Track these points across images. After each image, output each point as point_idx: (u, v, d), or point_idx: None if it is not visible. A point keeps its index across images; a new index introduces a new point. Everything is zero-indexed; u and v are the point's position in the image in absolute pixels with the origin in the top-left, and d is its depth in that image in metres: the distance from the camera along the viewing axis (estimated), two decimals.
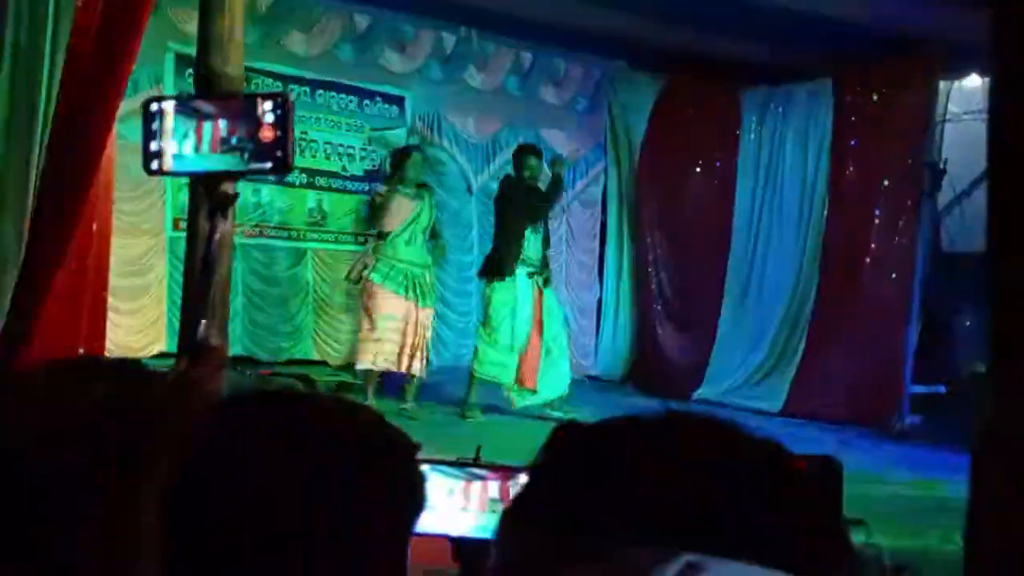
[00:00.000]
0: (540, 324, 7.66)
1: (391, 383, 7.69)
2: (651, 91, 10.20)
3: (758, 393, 9.08)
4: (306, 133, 8.91)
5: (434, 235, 7.80)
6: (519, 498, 0.87)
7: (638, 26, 8.72)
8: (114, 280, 7.44)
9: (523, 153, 7.82)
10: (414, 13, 9.00)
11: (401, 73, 9.31)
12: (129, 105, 7.86)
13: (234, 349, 8.27)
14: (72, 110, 3.03)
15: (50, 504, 1.13)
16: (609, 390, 9.88)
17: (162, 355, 7.91)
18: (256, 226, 8.69)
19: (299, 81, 8.87)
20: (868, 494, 5.73)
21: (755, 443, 0.89)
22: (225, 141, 1.93)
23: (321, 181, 9.03)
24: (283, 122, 1.91)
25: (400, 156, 7.84)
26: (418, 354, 7.42)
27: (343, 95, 9.12)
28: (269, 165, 1.95)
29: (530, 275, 7.65)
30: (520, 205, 7.53)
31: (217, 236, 1.94)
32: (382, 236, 7.53)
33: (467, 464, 1.91)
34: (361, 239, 9.02)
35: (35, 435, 1.15)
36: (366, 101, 9.25)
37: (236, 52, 2.69)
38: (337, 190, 9.10)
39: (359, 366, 7.59)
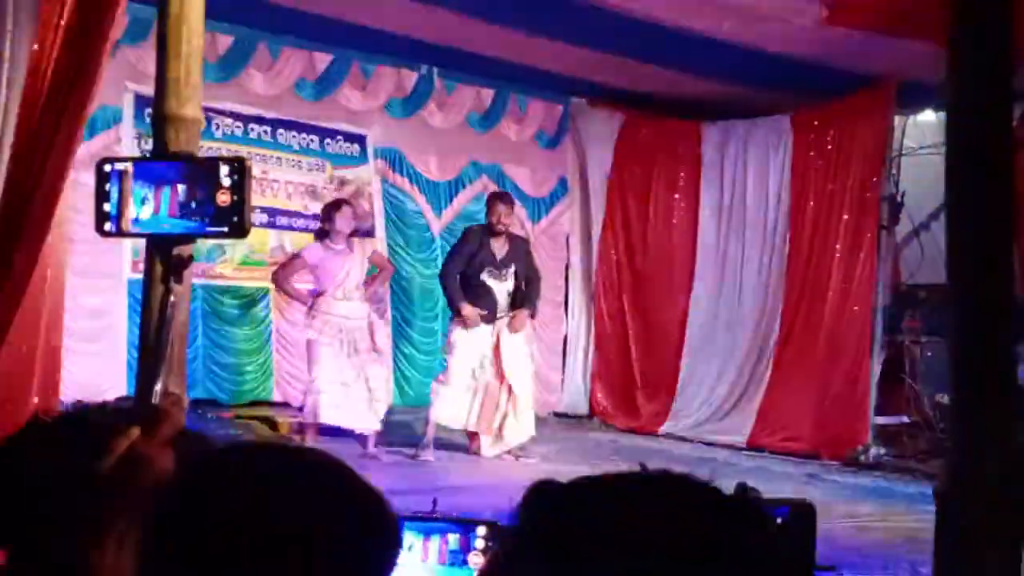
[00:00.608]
0: (500, 369, 7.60)
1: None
2: (613, 126, 10.27)
3: (724, 427, 9.11)
4: (267, 172, 8.86)
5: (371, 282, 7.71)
6: (496, 561, 0.88)
7: (598, 63, 8.80)
8: (73, 323, 7.36)
9: (496, 199, 7.83)
10: (374, 52, 9.01)
11: (362, 111, 9.31)
12: (87, 148, 7.83)
13: (195, 392, 8.17)
14: (27, 154, 2.98)
15: None
16: (576, 426, 9.86)
17: (122, 398, 7.78)
18: (217, 266, 8.61)
19: (259, 120, 8.84)
20: (838, 529, 5.75)
21: (727, 503, 0.89)
22: (184, 205, 1.92)
23: (283, 220, 8.97)
24: (240, 187, 1.91)
25: (329, 209, 7.63)
26: (363, 406, 7.25)
27: (304, 134, 9.09)
28: (226, 229, 1.93)
29: (489, 321, 7.62)
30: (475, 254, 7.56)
31: (172, 299, 1.91)
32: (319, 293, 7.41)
33: (426, 518, 1.88)
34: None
35: None
36: (327, 139, 9.23)
37: (194, 95, 2.66)
38: (299, 229, 9.04)
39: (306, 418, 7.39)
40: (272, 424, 8.13)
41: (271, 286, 8.87)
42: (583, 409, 10.34)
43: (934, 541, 2.17)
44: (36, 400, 3.51)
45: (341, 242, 7.40)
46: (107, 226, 1.95)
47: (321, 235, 7.60)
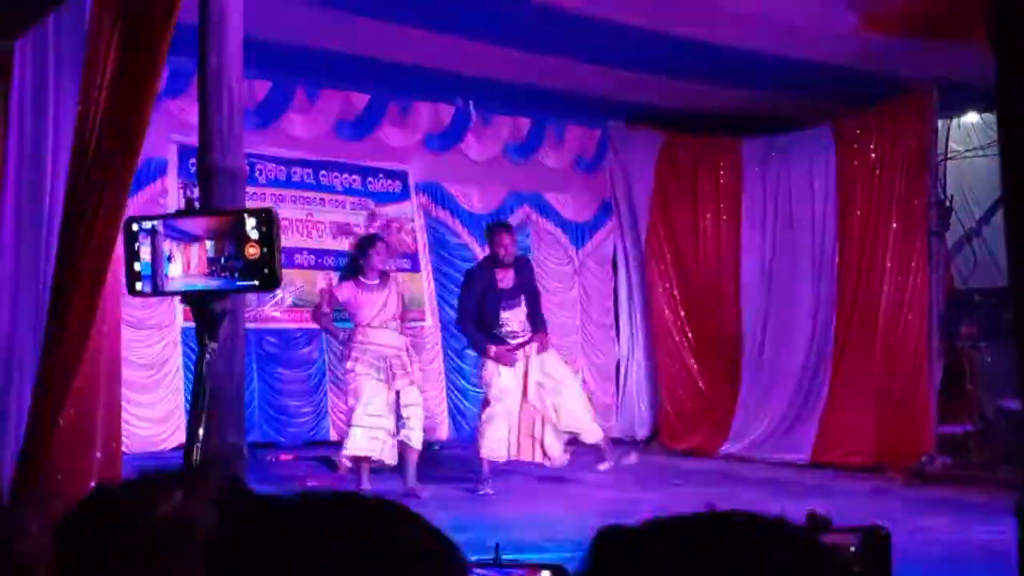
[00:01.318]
0: (526, 394, 7.57)
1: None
2: (652, 147, 10.25)
3: (785, 444, 8.97)
4: (312, 214, 8.95)
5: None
6: None
7: (633, 84, 8.79)
8: (131, 374, 7.47)
9: (497, 230, 7.82)
10: (410, 88, 9.09)
11: (401, 148, 9.38)
12: (133, 201, 7.97)
13: (252, 436, 8.22)
14: (78, 215, 3.03)
15: None
16: (634, 451, 9.77)
17: (181, 446, 7.86)
18: (268, 309, 8.69)
19: (302, 163, 8.94)
20: (908, 544, 5.62)
21: (797, 541, 0.87)
22: (213, 261, 1.92)
23: (329, 261, 9.04)
24: (269, 239, 1.91)
25: (364, 245, 7.62)
26: (391, 439, 7.20)
27: (346, 174, 9.18)
28: (256, 283, 1.94)
29: (517, 347, 7.60)
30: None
31: (208, 357, 1.92)
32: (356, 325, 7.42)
33: (487, 564, 1.84)
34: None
35: None
36: (369, 178, 9.31)
37: (236, 146, 2.70)
38: None
39: (346, 452, 7.29)
40: (331, 464, 8.15)
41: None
42: (639, 433, 10.26)
43: (1018, 561, 2.10)
44: (99, 455, 3.56)
45: (375, 278, 7.38)
46: (139, 286, 1.97)
47: (351, 270, 7.56)
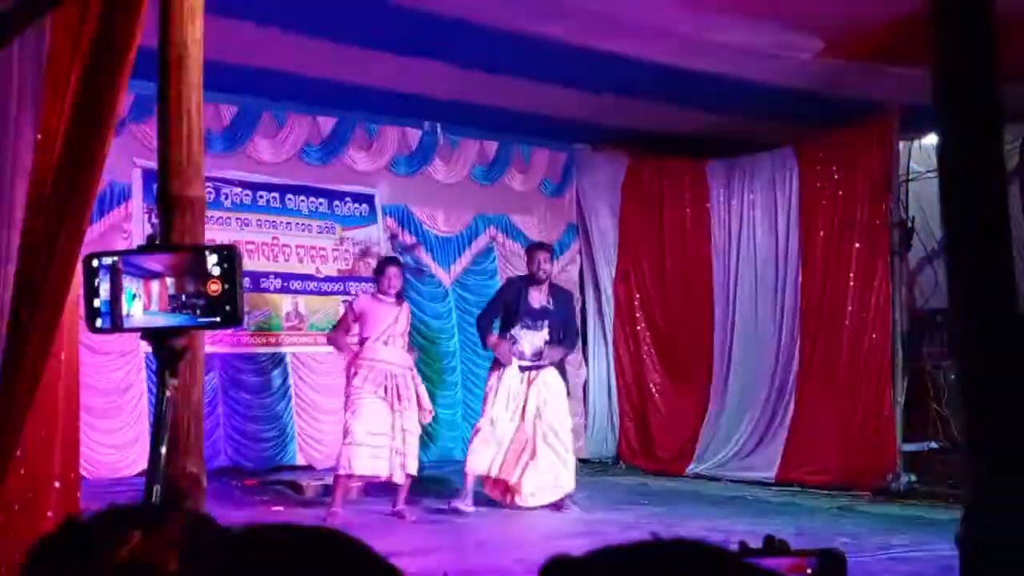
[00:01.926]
0: (523, 415, 7.56)
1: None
2: (617, 169, 10.32)
3: (751, 463, 9.03)
4: (278, 238, 8.92)
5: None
6: None
7: (599, 106, 8.85)
8: (92, 401, 7.39)
9: (536, 248, 7.92)
10: (377, 112, 9.11)
11: (368, 171, 9.38)
12: (98, 226, 7.91)
13: (218, 461, 8.17)
14: (36, 242, 3.01)
15: None
16: (601, 472, 9.79)
17: (145, 472, 7.78)
18: (233, 334, 8.63)
19: (268, 187, 8.92)
20: (872, 562, 5.67)
21: (738, 570, 0.90)
22: (175, 298, 1.92)
23: (296, 284, 9.01)
24: (231, 275, 1.91)
25: (383, 265, 7.67)
26: (399, 458, 7.16)
27: (312, 197, 9.16)
28: (218, 320, 1.94)
29: (523, 369, 7.59)
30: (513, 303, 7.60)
31: (168, 393, 1.91)
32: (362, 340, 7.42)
33: None
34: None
35: None
36: (336, 201, 9.29)
37: (196, 175, 2.69)
38: (313, 292, 9.08)
39: (343, 471, 7.22)
40: (297, 488, 8.10)
41: (288, 351, 8.90)
42: (609, 454, 10.28)
43: None
44: (57, 484, 3.52)
45: (391, 296, 7.45)
46: (98, 322, 1.96)
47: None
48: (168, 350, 1.95)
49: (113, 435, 7.99)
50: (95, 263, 1.95)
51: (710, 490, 8.62)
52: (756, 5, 6.56)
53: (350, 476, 7.15)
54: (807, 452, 8.70)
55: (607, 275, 10.42)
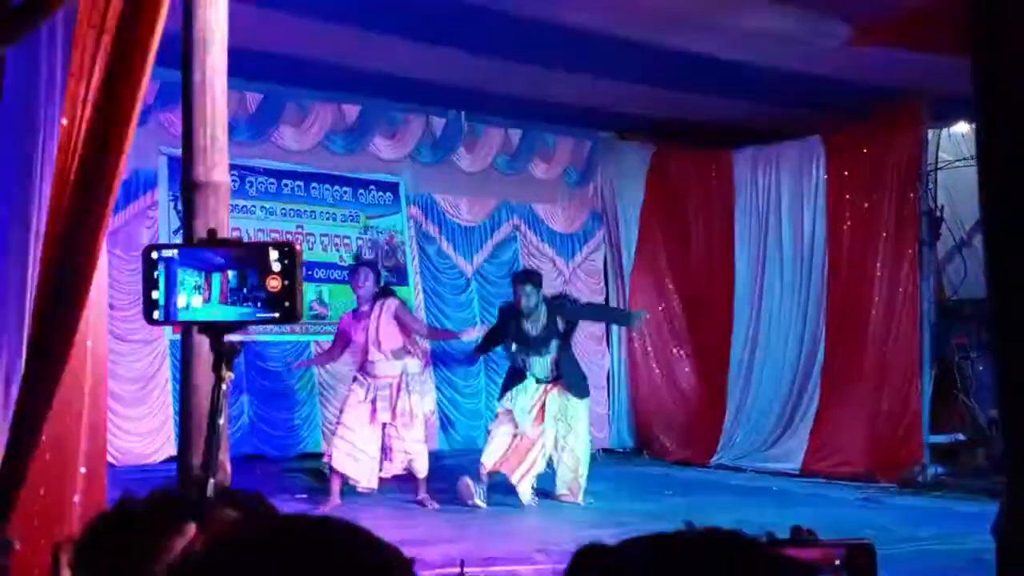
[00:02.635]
0: (541, 418, 7.49)
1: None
2: (642, 158, 10.27)
3: (776, 454, 8.98)
4: (302, 227, 8.94)
5: None
6: None
7: (625, 95, 8.80)
8: (118, 388, 7.44)
9: (515, 281, 7.66)
10: (402, 100, 9.09)
11: (393, 159, 9.38)
12: (123, 213, 7.95)
13: (243, 448, 8.20)
14: (61, 230, 3.02)
15: None
16: (626, 462, 9.76)
17: (171, 459, 7.82)
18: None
19: (292, 176, 8.93)
20: (899, 553, 5.62)
21: (775, 562, 0.89)
22: (236, 291, 1.93)
23: (320, 273, 9.03)
24: (291, 272, 1.91)
25: (350, 275, 7.51)
26: (374, 464, 7.15)
27: (337, 186, 9.16)
28: (277, 315, 1.95)
29: (539, 381, 7.51)
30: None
31: (223, 387, 1.92)
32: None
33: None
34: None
35: None
36: (360, 190, 9.30)
37: (221, 160, 2.69)
38: (336, 281, 9.09)
39: (325, 459, 7.28)
40: (321, 476, 8.11)
41: (311, 339, 8.92)
42: (632, 444, 10.26)
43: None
44: (84, 470, 3.53)
45: (365, 305, 7.26)
46: (156, 314, 1.97)
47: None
48: (226, 345, 1.95)
49: (138, 423, 8.04)
50: (154, 255, 1.95)
51: (734, 481, 8.58)
52: None
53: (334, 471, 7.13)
54: (833, 443, 8.64)
55: (630, 264, 10.37)
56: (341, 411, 7.27)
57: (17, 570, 3.20)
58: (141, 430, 8.04)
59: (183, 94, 2.69)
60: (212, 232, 2.11)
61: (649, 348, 10.18)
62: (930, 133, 8.62)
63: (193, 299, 1.94)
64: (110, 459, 5.45)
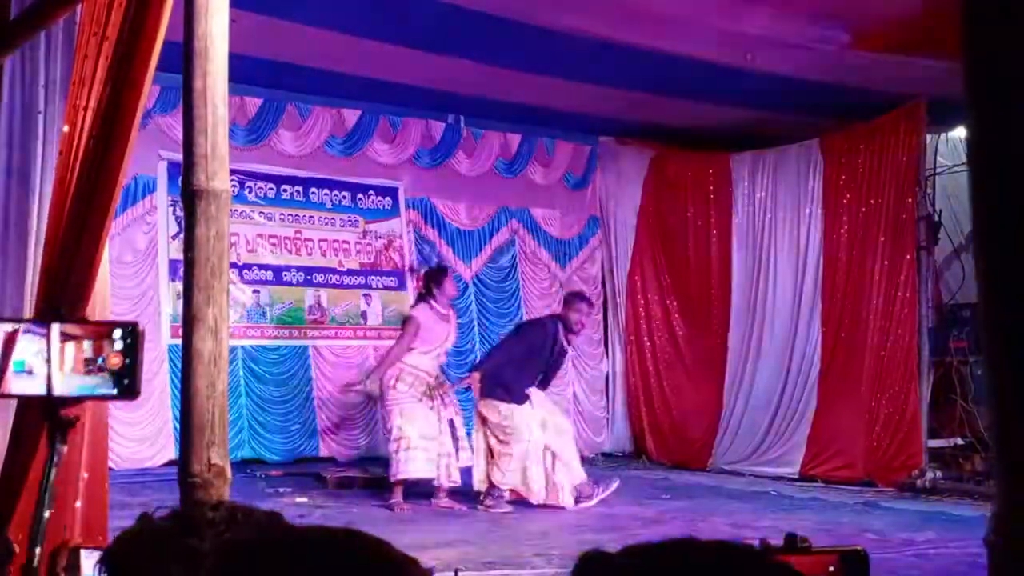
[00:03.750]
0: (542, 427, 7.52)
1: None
2: (641, 162, 10.29)
3: (774, 458, 8.99)
4: (300, 232, 8.95)
5: None
6: None
7: (623, 101, 8.82)
8: None
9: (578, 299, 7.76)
10: (401, 104, 9.11)
11: (392, 164, 9.39)
12: (123, 218, 7.96)
13: (242, 452, 8.21)
14: (62, 235, 3.03)
15: None
16: (624, 465, 9.77)
17: (172, 463, 7.82)
18: (256, 327, 8.68)
19: (291, 181, 8.94)
20: (897, 558, 5.63)
21: (775, 573, 0.90)
22: (91, 361, 2.02)
23: (319, 278, 9.04)
24: (133, 350, 2.01)
25: (439, 275, 7.61)
26: (447, 459, 7.23)
27: (336, 191, 9.18)
28: (116, 392, 2.04)
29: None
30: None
31: (56, 459, 2.00)
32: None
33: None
34: (360, 334, 9.01)
35: None
36: (359, 195, 9.31)
37: (222, 167, 2.69)
38: (335, 286, 9.11)
39: (399, 476, 7.19)
40: (320, 480, 8.13)
41: (309, 343, 8.92)
42: (631, 447, 10.27)
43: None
44: (85, 476, 3.53)
45: (446, 307, 7.46)
46: (3, 387, 2.06)
47: (423, 298, 7.57)
48: (62, 419, 2.04)
49: (136, 427, 8.03)
50: (9, 328, 2.05)
51: (733, 485, 8.58)
52: None
53: (406, 480, 7.16)
54: (831, 447, 8.65)
55: (627, 268, 10.39)
56: (403, 417, 7.17)
57: (17, 575, 3.20)
58: (140, 435, 8.04)
59: (184, 101, 2.70)
60: (56, 310, 2.20)
61: (647, 352, 10.19)
62: (928, 137, 8.63)
63: (35, 370, 2.00)
64: (110, 464, 5.44)
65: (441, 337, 7.40)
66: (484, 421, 7.34)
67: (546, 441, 7.41)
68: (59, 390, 2.06)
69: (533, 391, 7.50)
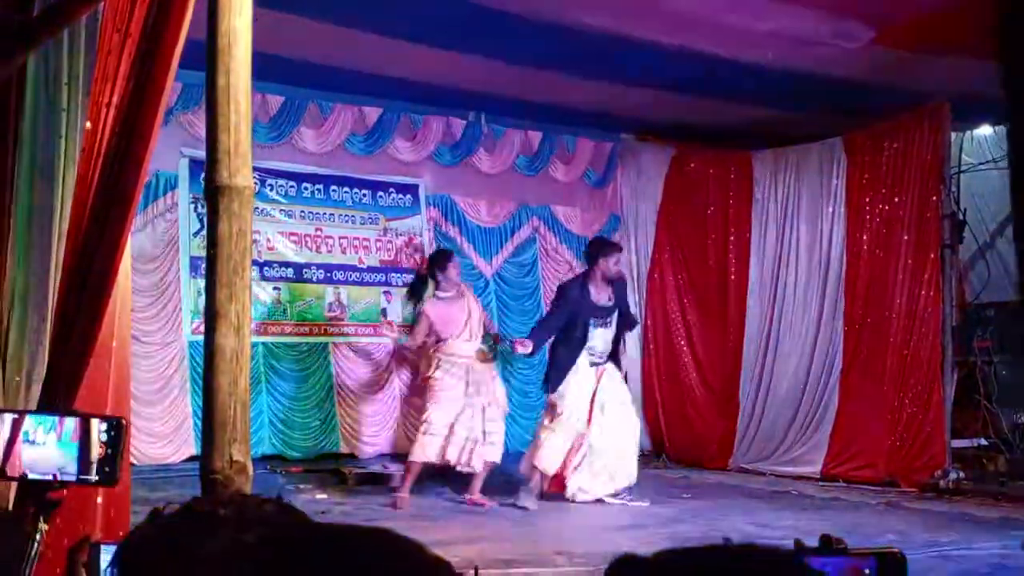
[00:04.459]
0: (591, 411, 7.51)
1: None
2: (662, 159, 10.25)
3: (795, 457, 8.94)
4: (321, 230, 8.96)
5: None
6: None
7: (645, 99, 8.79)
8: (135, 389, 7.47)
9: (603, 246, 7.80)
10: (422, 102, 9.11)
11: (413, 161, 9.39)
12: (145, 214, 7.99)
13: (262, 448, 8.23)
14: (84, 232, 3.03)
15: None
16: (642, 464, 9.71)
17: (193, 459, 7.86)
18: (277, 324, 8.70)
19: (312, 179, 8.95)
20: (920, 560, 5.59)
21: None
22: (60, 454, 2.22)
23: (339, 275, 9.05)
24: (116, 442, 2.21)
25: (442, 259, 7.70)
26: (472, 445, 7.27)
27: (356, 188, 9.18)
28: (96, 478, 2.23)
29: (592, 364, 7.57)
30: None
31: (38, 536, 2.16)
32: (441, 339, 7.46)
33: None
34: (380, 331, 9.01)
35: None
36: (380, 192, 9.32)
37: (245, 164, 2.69)
38: (355, 283, 9.12)
39: (413, 458, 7.32)
40: (340, 476, 8.15)
41: (329, 340, 8.93)
42: (650, 447, 10.23)
43: None
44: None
45: (452, 289, 7.52)
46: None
47: (423, 291, 7.63)
48: (47, 499, 2.21)
49: (155, 423, 8.06)
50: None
51: (754, 484, 8.54)
52: None
53: (423, 463, 7.24)
54: (853, 447, 8.59)
55: (647, 266, 10.36)
56: (434, 403, 7.30)
57: (38, 570, 3.22)
58: (159, 431, 8.06)
59: (207, 98, 2.71)
60: (52, 403, 2.65)
61: (665, 350, 10.16)
62: (952, 135, 8.56)
63: (29, 455, 2.24)
64: (131, 459, 5.47)
65: (460, 319, 7.42)
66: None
67: (594, 431, 7.41)
68: (41, 471, 2.25)
69: (608, 374, 7.51)
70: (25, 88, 3.84)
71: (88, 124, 3.05)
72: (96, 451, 2.21)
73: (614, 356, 7.76)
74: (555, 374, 7.48)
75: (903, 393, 8.36)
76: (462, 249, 9.67)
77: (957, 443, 8.27)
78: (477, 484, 7.30)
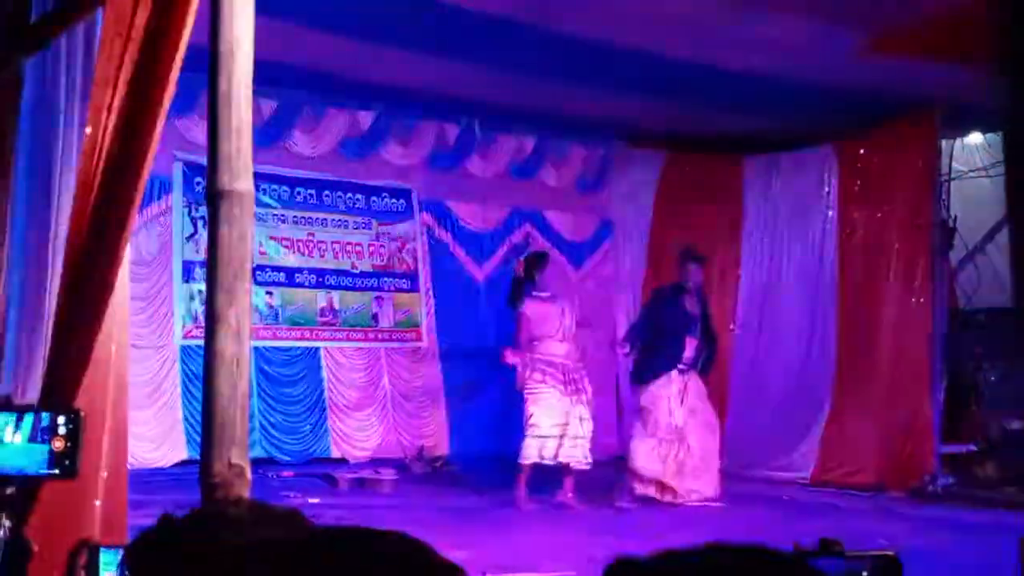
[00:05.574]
0: (680, 422, 7.60)
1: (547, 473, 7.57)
2: (653, 166, 10.28)
3: (786, 463, 8.96)
4: (314, 234, 8.96)
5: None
6: None
7: (636, 106, 8.81)
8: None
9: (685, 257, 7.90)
10: (416, 107, 9.12)
11: (406, 166, 9.39)
12: (138, 218, 7.97)
13: (253, 452, 8.21)
14: (84, 237, 3.04)
15: None
16: None
17: (184, 463, 7.85)
18: (269, 328, 8.70)
19: (305, 183, 8.95)
20: (910, 564, 5.61)
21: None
22: (45, 431, 2.29)
23: (331, 280, 9.05)
24: (74, 435, 2.24)
25: (539, 261, 7.76)
26: (577, 445, 7.35)
27: (350, 193, 9.19)
28: (57, 472, 2.27)
29: (681, 371, 7.67)
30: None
31: (2, 535, 2.23)
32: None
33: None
34: (372, 336, 9.02)
35: None
36: (373, 197, 9.32)
37: (245, 169, 2.71)
38: (347, 288, 9.12)
39: (523, 460, 7.40)
40: (332, 481, 8.14)
41: (321, 345, 8.93)
42: None
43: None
44: (105, 474, 3.55)
45: (548, 290, 7.57)
46: None
47: (522, 290, 7.63)
48: (10, 496, 2.28)
49: (147, 426, 8.04)
50: None
51: (745, 489, 8.55)
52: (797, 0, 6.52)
53: (534, 465, 7.32)
54: (843, 452, 8.62)
55: (639, 271, 10.38)
56: (537, 406, 7.37)
57: (36, 573, 3.22)
58: (150, 434, 8.05)
59: (208, 103, 2.72)
60: (8, 398, 2.35)
61: None
62: (943, 143, 8.61)
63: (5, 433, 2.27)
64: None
65: (555, 320, 7.49)
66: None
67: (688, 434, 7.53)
68: (2, 469, 2.29)
69: (693, 382, 7.61)
70: (22, 92, 3.84)
71: (88, 128, 3.06)
72: (56, 445, 2.22)
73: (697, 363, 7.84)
74: (650, 375, 7.63)
75: (894, 399, 8.41)
76: (454, 254, 9.70)
77: (947, 448, 8.32)
78: (567, 485, 7.39)
